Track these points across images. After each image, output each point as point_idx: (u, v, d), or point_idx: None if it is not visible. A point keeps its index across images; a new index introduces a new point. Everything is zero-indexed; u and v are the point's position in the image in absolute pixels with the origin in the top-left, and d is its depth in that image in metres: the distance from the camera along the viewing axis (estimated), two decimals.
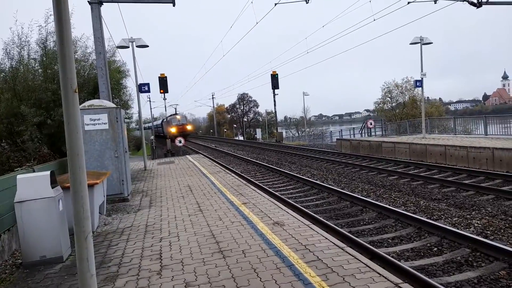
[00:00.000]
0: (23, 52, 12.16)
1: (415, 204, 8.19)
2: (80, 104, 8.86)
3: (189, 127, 49.81)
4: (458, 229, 6.13)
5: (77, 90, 2.94)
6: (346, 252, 4.49)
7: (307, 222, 5.86)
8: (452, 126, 20.26)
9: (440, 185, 9.98)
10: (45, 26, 12.01)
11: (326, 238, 5.03)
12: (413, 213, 7.24)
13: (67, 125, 2.88)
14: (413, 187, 10.00)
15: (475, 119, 20.87)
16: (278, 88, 36.51)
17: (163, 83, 25.23)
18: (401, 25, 16.26)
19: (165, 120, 49.73)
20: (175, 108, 57.61)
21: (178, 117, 48.98)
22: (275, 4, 13.44)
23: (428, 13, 15.23)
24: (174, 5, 11.55)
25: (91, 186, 6.22)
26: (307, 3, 14.04)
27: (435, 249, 5.55)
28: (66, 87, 2.84)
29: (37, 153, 9.68)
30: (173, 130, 43.98)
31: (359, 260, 4.19)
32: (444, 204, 8.09)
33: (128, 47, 15.33)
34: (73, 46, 10.77)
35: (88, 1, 10.47)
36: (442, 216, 7.17)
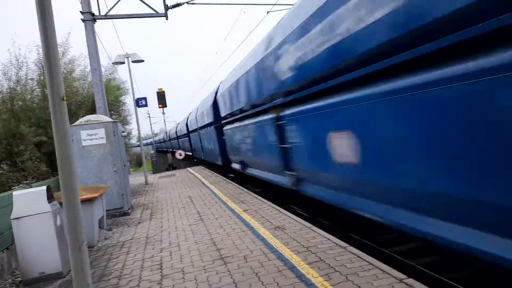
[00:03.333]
0: (21, 72, 12.27)
1: None
2: (78, 120, 8.89)
3: None
4: None
5: (65, 98, 2.92)
6: (349, 251, 4.41)
7: (309, 225, 5.78)
8: None
9: None
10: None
11: (329, 239, 4.95)
12: None
13: (56, 133, 2.85)
14: None
15: None
16: None
17: (161, 97, 25.34)
18: None
19: None
20: None
21: None
22: (267, 12, 13.54)
23: None
24: (167, 19, 11.65)
25: (89, 200, 6.18)
26: None
27: None
28: (53, 95, 2.83)
29: (35, 172, 9.66)
30: None
31: (362, 259, 4.10)
32: None
33: (124, 62, 15.43)
34: (71, 64, 10.59)
35: (82, 19, 10.56)
36: None
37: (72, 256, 2.96)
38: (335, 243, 4.77)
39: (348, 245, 4.65)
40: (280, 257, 4.50)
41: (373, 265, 3.87)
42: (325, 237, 5.04)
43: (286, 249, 4.75)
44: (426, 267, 4.50)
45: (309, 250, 4.59)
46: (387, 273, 3.63)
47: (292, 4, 11.87)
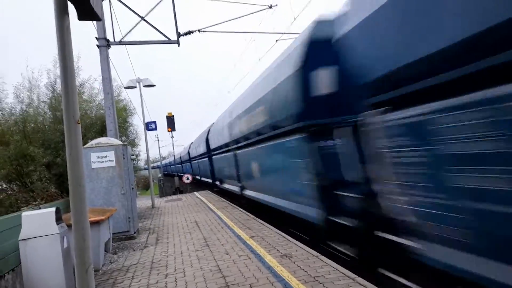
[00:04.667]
0: (32, 95, 12.61)
1: None
2: (88, 143, 9.01)
3: None
4: None
5: (79, 122, 3.00)
6: (357, 282, 4.31)
7: (316, 253, 5.69)
8: None
9: None
10: (54, 70, 12.52)
11: (336, 269, 4.85)
12: None
13: (69, 155, 2.91)
14: None
15: None
16: None
17: (170, 121, 25.65)
18: None
19: None
20: None
21: None
22: (276, 40, 13.85)
23: None
24: (179, 45, 11.99)
25: (96, 222, 6.18)
26: None
27: None
28: (68, 118, 2.91)
29: (45, 193, 9.73)
30: None
31: None
32: None
33: (135, 87, 15.75)
34: (81, 87, 10.97)
35: (97, 45, 10.91)
36: None
37: (79, 279, 2.95)
38: (342, 273, 4.67)
39: (357, 276, 4.55)
40: (287, 286, 4.41)
41: None
42: (333, 267, 4.95)
43: (293, 278, 4.66)
44: None
45: (317, 280, 4.49)
46: None
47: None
